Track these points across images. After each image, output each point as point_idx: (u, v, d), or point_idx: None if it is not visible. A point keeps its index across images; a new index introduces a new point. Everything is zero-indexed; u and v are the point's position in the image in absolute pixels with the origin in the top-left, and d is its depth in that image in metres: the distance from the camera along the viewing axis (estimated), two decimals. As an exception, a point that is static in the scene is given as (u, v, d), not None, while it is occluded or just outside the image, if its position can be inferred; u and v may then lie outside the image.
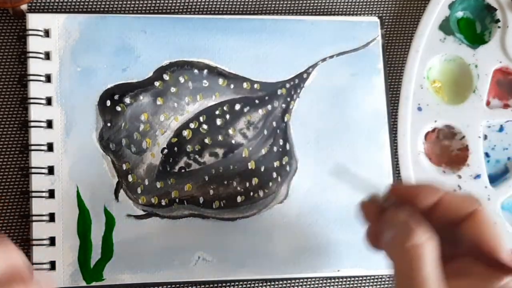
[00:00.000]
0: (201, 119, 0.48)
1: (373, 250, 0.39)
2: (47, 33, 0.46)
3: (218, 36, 0.49)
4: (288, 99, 0.49)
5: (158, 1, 0.51)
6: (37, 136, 0.45)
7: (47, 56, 0.46)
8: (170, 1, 0.51)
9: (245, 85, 0.49)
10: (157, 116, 0.47)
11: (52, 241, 0.44)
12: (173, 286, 0.47)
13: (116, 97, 0.47)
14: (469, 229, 0.37)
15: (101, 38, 0.47)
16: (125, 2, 0.50)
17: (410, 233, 0.35)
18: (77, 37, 0.47)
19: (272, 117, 0.49)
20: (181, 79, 0.48)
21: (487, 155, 0.52)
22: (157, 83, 0.47)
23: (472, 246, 0.37)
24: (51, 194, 0.45)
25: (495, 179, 0.52)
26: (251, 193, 0.47)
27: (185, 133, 0.48)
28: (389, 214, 0.38)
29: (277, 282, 0.49)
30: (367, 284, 0.50)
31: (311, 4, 0.53)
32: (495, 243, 0.36)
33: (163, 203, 0.46)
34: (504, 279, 0.35)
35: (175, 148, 0.47)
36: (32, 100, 0.45)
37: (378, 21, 0.51)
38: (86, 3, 0.50)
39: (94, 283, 0.44)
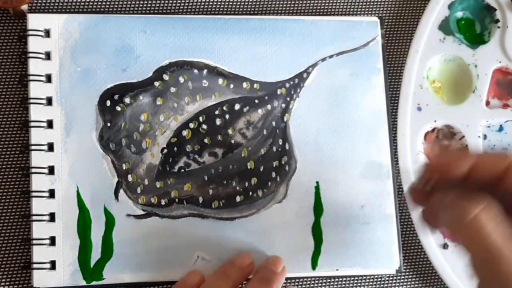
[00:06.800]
0: (200, 119, 0.48)
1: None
2: (47, 33, 0.47)
3: (217, 36, 0.49)
4: (288, 98, 0.49)
5: (158, 1, 0.51)
6: (37, 136, 0.45)
7: (48, 56, 0.46)
8: (170, 1, 0.51)
9: (244, 85, 0.49)
10: (157, 116, 0.47)
11: (52, 240, 0.45)
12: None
13: (116, 97, 0.47)
14: (508, 185, 0.37)
15: (101, 38, 0.47)
16: (125, 2, 0.50)
17: (463, 210, 0.35)
18: (77, 37, 0.47)
19: (272, 116, 0.49)
20: (181, 79, 0.48)
21: (486, 155, 0.52)
22: (157, 83, 0.48)
23: None
24: (51, 194, 0.45)
25: (494, 179, 0.52)
26: (250, 193, 0.48)
27: (185, 133, 0.48)
28: (437, 198, 0.38)
29: (276, 282, 0.49)
30: (366, 283, 0.50)
31: (311, 4, 0.53)
32: None
33: (163, 203, 0.46)
34: None
35: (175, 148, 0.47)
36: (32, 100, 0.45)
37: (378, 21, 0.51)
38: (86, 3, 0.50)
39: (94, 283, 0.45)
